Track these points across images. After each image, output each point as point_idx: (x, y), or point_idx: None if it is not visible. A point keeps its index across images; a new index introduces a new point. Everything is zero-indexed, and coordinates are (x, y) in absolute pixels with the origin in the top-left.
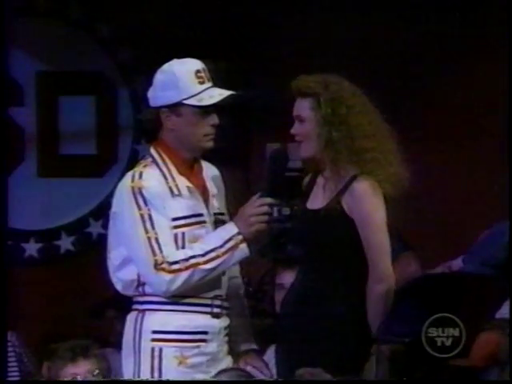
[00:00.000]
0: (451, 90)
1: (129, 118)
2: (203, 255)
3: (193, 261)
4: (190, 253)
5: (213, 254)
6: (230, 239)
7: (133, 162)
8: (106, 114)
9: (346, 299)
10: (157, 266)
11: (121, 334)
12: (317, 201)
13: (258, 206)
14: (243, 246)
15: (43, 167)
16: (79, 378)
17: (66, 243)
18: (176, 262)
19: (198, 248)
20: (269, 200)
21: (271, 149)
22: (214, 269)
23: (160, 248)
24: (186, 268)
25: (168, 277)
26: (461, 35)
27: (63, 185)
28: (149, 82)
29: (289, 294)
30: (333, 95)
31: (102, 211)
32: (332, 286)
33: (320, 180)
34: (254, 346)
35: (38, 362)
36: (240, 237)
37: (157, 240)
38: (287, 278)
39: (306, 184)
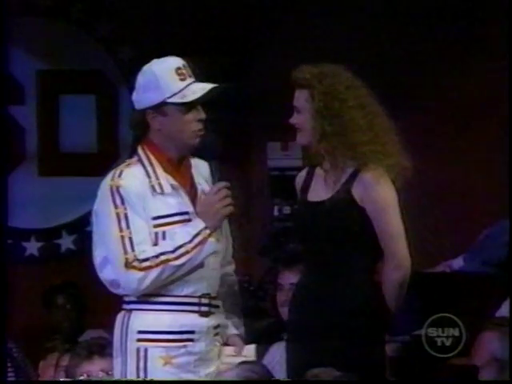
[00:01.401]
0: (451, 89)
1: (129, 116)
2: (173, 251)
3: (163, 257)
4: (159, 250)
5: (182, 250)
6: (197, 234)
7: None
8: (107, 113)
9: (359, 291)
10: (127, 264)
11: (72, 321)
12: (319, 193)
13: (216, 193)
14: (211, 240)
15: (44, 166)
16: (93, 376)
17: (66, 242)
18: (146, 260)
19: (167, 245)
20: (223, 183)
21: (272, 146)
22: (183, 264)
23: (132, 247)
24: (157, 265)
25: (139, 274)
26: (462, 34)
27: (64, 183)
28: None
29: (298, 292)
30: (326, 89)
31: None
32: (343, 278)
33: (319, 172)
34: (239, 332)
35: (34, 360)
36: (207, 231)
37: (130, 239)
38: (286, 278)
39: (304, 178)
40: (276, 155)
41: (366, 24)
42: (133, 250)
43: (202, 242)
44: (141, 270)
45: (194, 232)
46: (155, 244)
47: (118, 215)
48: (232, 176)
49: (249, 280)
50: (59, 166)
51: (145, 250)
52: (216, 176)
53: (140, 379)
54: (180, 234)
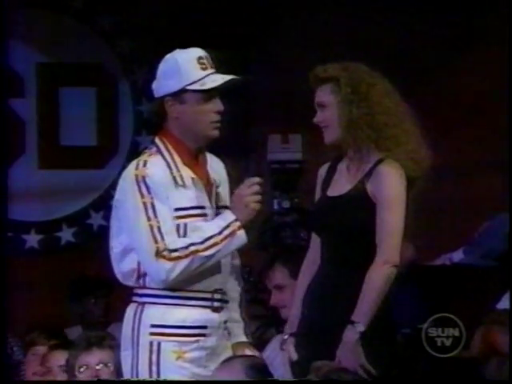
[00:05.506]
0: (450, 82)
1: (129, 109)
2: (202, 242)
3: (192, 248)
4: (188, 241)
5: (211, 241)
6: (227, 226)
7: (133, 153)
8: (107, 106)
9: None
10: (158, 253)
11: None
12: (339, 187)
13: (249, 186)
14: (241, 232)
15: (44, 159)
16: (91, 367)
17: (66, 235)
18: (176, 250)
19: (196, 236)
20: (257, 179)
21: (272, 139)
22: (212, 256)
23: (162, 236)
24: (186, 256)
25: (168, 265)
26: (463, 32)
27: (64, 176)
28: (149, 74)
29: (313, 285)
30: (352, 75)
31: (103, 202)
32: (356, 272)
33: (341, 167)
34: (246, 339)
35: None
36: (237, 223)
37: (159, 228)
38: (279, 278)
39: (326, 172)
40: (276, 148)
41: (367, 18)
42: (162, 239)
43: (231, 234)
44: (170, 260)
45: (224, 224)
46: (178, 235)
47: (144, 204)
48: (233, 167)
49: (249, 271)
50: (59, 159)
51: (174, 240)
52: (233, 175)
53: (139, 379)
54: (210, 226)
